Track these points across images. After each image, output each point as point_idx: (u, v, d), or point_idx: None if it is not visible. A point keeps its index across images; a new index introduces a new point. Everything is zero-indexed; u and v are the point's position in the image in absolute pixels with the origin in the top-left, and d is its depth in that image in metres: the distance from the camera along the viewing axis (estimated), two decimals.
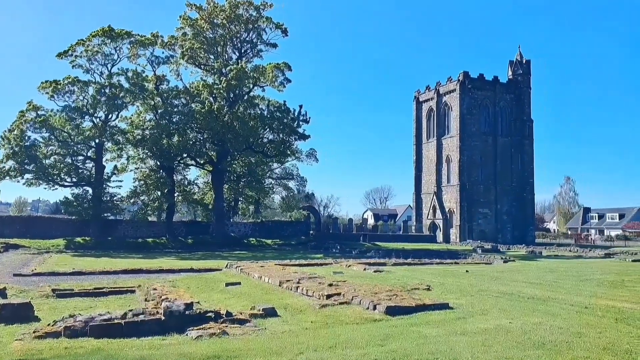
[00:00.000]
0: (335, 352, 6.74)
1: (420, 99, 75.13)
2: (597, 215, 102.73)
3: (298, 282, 13.55)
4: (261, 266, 19.64)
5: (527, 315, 9.57)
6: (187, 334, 8.20)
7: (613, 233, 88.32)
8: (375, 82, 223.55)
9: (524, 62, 70.99)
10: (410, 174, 76.37)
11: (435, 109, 71.63)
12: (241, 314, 9.74)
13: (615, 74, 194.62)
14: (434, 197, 69.80)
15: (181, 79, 51.08)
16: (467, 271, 19.39)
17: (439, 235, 67.13)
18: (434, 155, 71.23)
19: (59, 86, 44.87)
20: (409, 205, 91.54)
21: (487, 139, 68.46)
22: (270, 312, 9.97)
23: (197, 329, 8.34)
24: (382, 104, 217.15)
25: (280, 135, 50.49)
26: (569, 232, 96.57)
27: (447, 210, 68.21)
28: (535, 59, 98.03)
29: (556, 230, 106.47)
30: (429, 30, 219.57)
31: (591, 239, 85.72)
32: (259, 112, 51.24)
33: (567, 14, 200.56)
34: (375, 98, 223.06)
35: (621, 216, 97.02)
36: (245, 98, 49.98)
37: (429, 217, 70.43)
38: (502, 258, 29.47)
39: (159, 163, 48.69)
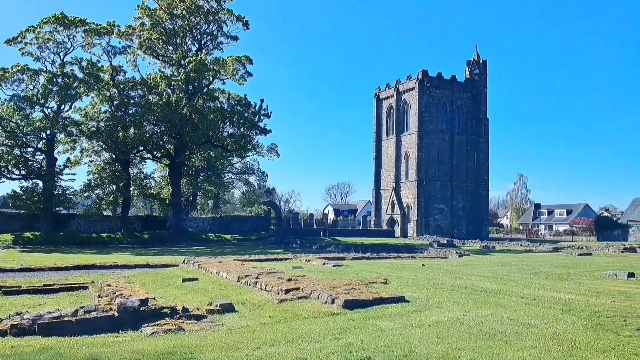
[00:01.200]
0: (293, 346, 6.76)
1: (381, 97, 76.01)
2: (547, 211, 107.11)
3: (257, 277, 13.48)
4: (219, 261, 19.42)
5: (479, 307, 9.88)
6: (141, 331, 8.03)
7: (561, 228, 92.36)
8: (337, 78, 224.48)
9: (480, 62, 72.88)
10: (370, 170, 77.29)
11: (395, 106, 72.63)
12: (198, 309, 9.62)
13: (567, 74, 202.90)
14: (393, 192, 70.90)
15: (138, 70, 49.69)
16: (423, 265, 19.84)
17: (397, 230, 68.29)
18: (393, 152, 72.29)
19: (7, 74, 42.75)
20: (369, 201, 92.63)
21: (444, 136, 70.05)
22: (227, 308, 9.88)
23: (152, 325, 8.18)
24: (344, 100, 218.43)
25: (241, 130, 49.92)
26: (521, 227, 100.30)
27: (405, 205, 69.46)
28: (491, 59, 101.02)
29: (509, 226, 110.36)
30: (390, 28, 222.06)
31: (541, 234, 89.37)
32: (219, 105, 50.46)
33: (523, 15, 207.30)
34: (337, 94, 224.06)
35: (569, 212, 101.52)
36: (204, 91, 49.10)
37: (387, 212, 71.51)
38: (457, 252, 30.26)
39: (114, 156, 47.22)
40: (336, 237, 53.23)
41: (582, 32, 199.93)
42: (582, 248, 37.31)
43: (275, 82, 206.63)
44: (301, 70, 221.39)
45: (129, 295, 10.81)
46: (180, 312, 9.14)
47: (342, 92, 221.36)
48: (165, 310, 9.08)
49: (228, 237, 49.69)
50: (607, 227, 68.36)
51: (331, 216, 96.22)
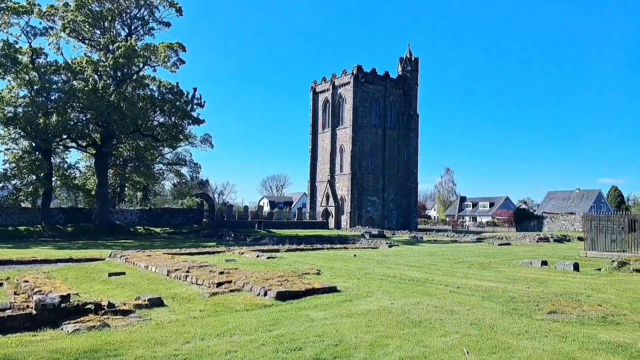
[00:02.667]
0: (223, 339, 6.71)
1: (317, 90, 76.43)
2: (471, 203, 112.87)
3: (187, 271, 13.20)
4: (148, 255, 18.80)
5: (407, 296, 10.27)
6: (62, 329, 7.63)
7: (484, 220, 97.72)
8: (273, 70, 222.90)
9: (412, 59, 75.05)
10: (306, 163, 77.67)
11: (330, 100, 73.32)
12: (125, 304, 9.28)
13: (491, 74, 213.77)
14: (328, 185, 71.76)
15: (62, 54, 46.86)
16: (355, 255, 20.27)
17: (331, 222, 69.26)
18: (328, 145, 73.05)
19: None
20: (305, 193, 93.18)
21: (377, 131, 71.71)
22: (156, 302, 9.62)
23: (74, 323, 7.79)
24: (281, 92, 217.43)
25: (172, 119, 48.36)
26: (448, 219, 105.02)
27: (339, 197, 70.56)
28: (423, 57, 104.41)
29: (436, 217, 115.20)
30: (327, 21, 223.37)
31: (466, 225, 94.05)
32: (150, 93, 48.55)
33: (453, 15, 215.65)
34: (273, 86, 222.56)
35: (491, 204, 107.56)
36: (134, 78, 47.06)
37: (322, 205, 72.29)
38: (387, 243, 31.15)
39: (34, 144, 44.21)
40: (271, 230, 53.11)
41: (505, 35, 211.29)
42: (502, 238, 39.61)
43: (211, 71, 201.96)
44: (237, 60, 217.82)
45: (48, 292, 10.22)
46: (105, 307, 8.78)
47: (279, 84, 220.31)
48: (89, 306, 8.68)
49: (158, 230, 48.14)
50: (524, 219, 73.11)
51: (266, 208, 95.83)
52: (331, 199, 70.88)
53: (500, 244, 32.45)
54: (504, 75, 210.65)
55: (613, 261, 16.06)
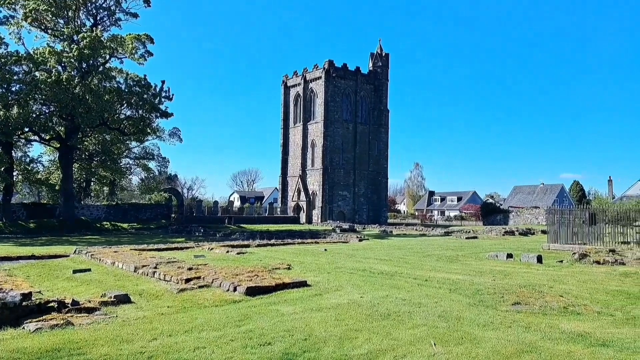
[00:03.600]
0: (191, 336, 6.63)
1: (289, 84, 76.11)
2: (440, 198, 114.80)
3: (155, 267, 12.99)
4: (115, 251, 18.41)
5: (376, 289, 10.38)
6: (23, 328, 7.39)
7: (452, 214, 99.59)
8: (244, 63, 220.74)
9: (383, 55, 75.53)
10: (277, 157, 77.42)
11: (302, 94, 73.16)
12: (90, 302, 9.06)
13: (458, 71, 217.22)
14: (299, 180, 71.71)
15: (23, 44, 44.99)
16: (325, 250, 20.36)
17: (303, 217, 69.30)
18: (300, 140, 72.95)
19: None
20: (276, 188, 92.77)
21: (348, 126, 72.00)
22: (123, 299, 9.42)
23: (36, 321, 7.55)
24: (252, 86, 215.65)
25: (140, 112, 47.23)
26: (417, 213, 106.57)
27: (311, 192, 70.63)
28: (393, 53, 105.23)
29: (406, 211, 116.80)
30: (299, 15, 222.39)
31: (434, 219, 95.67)
32: (116, 85, 47.29)
33: (423, 10, 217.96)
34: (244, 79, 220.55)
35: (459, 199, 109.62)
36: (100, 69, 45.72)
37: (294, 199, 72.23)
38: (357, 237, 31.39)
39: None
40: (242, 225, 52.73)
41: (473, 32, 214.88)
42: (469, 232, 40.42)
43: (180, 64, 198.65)
44: (207, 53, 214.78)
45: (9, 290, 9.89)
46: (69, 305, 8.54)
47: (249, 78, 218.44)
48: (52, 304, 8.44)
49: (125, 225, 47.16)
50: (491, 213, 74.83)
51: (237, 203, 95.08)
52: (303, 193, 70.89)
53: (467, 238, 33.10)
54: (472, 72, 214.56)
55: (574, 253, 16.60)
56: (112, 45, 44.36)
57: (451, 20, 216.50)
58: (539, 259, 15.72)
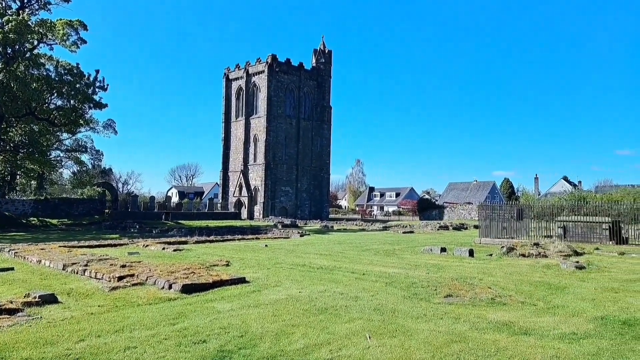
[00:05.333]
0: (122, 336, 6.39)
1: (230, 77, 74.88)
2: (379, 193, 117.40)
3: (86, 265, 12.41)
4: (42, 249, 17.40)
5: (315, 284, 10.46)
6: None
7: (391, 209, 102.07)
8: (184, 54, 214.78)
9: (326, 52, 75.96)
10: (218, 152, 76.10)
11: (244, 88, 72.22)
12: (12, 302, 8.50)
13: (398, 70, 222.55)
14: (241, 175, 70.86)
15: None
16: (266, 246, 20.27)
17: (244, 212, 68.58)
18: (242, 134, 72.03)
19: None
20: (217, 183, 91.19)
21: (291, 121, 71.90)
22: (49, 299, 8.92)
23: None
24: (192, 77, 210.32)
25: (72, 102, 44.76)
26: (357, 208, 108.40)
27: (253, 188, 69.99)
28: (337, 50, 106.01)
29: (347, 207, 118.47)
30: (242, 6, 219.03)
31: (374, 214, 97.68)
32: (45, 73, 44.53)
33: (366, 9, 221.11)
34: (184, 71, 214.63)
35: (397, 195, 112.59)
36: (27, 56, 42.85)
37: (235, 195, 71.31)
38: (299, 232, 31.48)
39: None
40: (180, 221, 51.41)
41: (412, 31, 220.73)
42: (406, 227, 41.61)
43: (117, 54, 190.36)
44: (145, 43, 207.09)
45: None
46: None
47: (190, 69, 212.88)
48: None
49: (55, 221, 44.70)
50: (427, 208, 77.40)
51: (175, 199, 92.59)
52: (244, 189, 70.11)
53: (404, 232, 34.08)
54: (412, 71, 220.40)
55: (503, 247, 17.51)
56: (40, 31, 41.72)
57: (392, 19, 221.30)
58: (471, 253, 16.45)
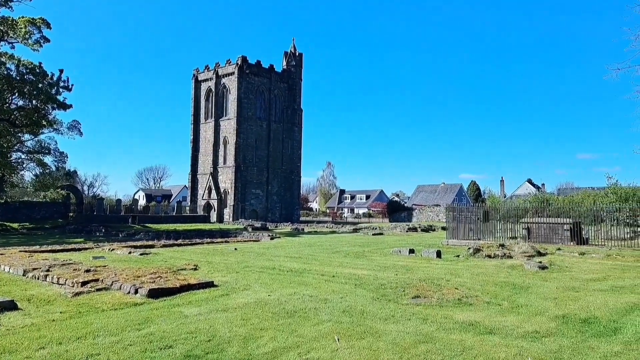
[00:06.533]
0: (84, 342, 6.21)
1: (200, 78, 74.02)
2: (350, 196, 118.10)
3: (48, 270, 12.03)
4: (1, 254, 16.78)
5: (284, 287, 10.42)
6: None
7: (361, 211, 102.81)
8: (152, 54, 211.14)
9: (297, 54, 76.02)
10: (187, 154, 75.09)
11: (214, 89, 71.49)
12: None
13: (370, 73, 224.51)
14: (210, 177, 70.06)
15: None
16: (235, 249, 20.08)
17: (214, 215, 67.82)
18: (212, 136, 71.25)
19: None
20: (185, 186, 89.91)
21: (262, 123, 71.58)
22: (8, 306, 8.60)
23: None
24: (160, 78, 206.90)
25: (34, 102, 43.44)
26: (328, 211, 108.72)
27: (222, 190, 69.28)
28: (307, 53, 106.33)
29: (318, 209, 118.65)
30: (212, 7, 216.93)
31: (344, 216, 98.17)
32: (6, 72, 43.05)
33: (338, 11, 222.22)
34: (152, 72, 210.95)
35: (367, 197, 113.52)
36: None
37: (204, 198, 70.42)
38: (269, 235, 31.31)
39: None
40: (147, 224, 50.41)
41: (381, 34, 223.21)
42: (376, 229, 41.95)
43: (82, 54, 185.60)
44: (112, 43, 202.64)
45: None
46: None
47: (157, 70, 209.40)
48: None
49: (16, 225, 43.16)
50: (396, 210, 78.26)
51: (142, 202, 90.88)
52: (214, 191, 69.33)
53: (374, 234, 34.34)
54: (381, 75, 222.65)
55: (470, 248, 17.84)
56: (1, 28, 40.37)
57: (363, 23, 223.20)
58: (439, 254, 16.71)
